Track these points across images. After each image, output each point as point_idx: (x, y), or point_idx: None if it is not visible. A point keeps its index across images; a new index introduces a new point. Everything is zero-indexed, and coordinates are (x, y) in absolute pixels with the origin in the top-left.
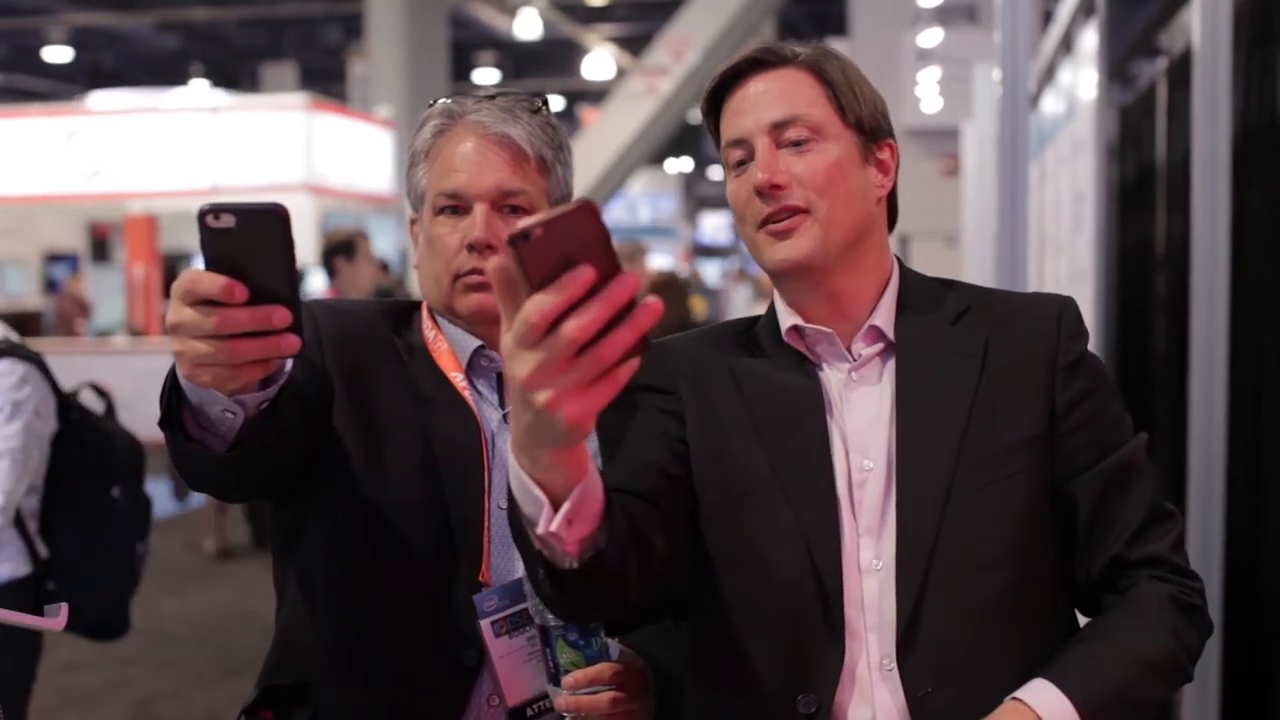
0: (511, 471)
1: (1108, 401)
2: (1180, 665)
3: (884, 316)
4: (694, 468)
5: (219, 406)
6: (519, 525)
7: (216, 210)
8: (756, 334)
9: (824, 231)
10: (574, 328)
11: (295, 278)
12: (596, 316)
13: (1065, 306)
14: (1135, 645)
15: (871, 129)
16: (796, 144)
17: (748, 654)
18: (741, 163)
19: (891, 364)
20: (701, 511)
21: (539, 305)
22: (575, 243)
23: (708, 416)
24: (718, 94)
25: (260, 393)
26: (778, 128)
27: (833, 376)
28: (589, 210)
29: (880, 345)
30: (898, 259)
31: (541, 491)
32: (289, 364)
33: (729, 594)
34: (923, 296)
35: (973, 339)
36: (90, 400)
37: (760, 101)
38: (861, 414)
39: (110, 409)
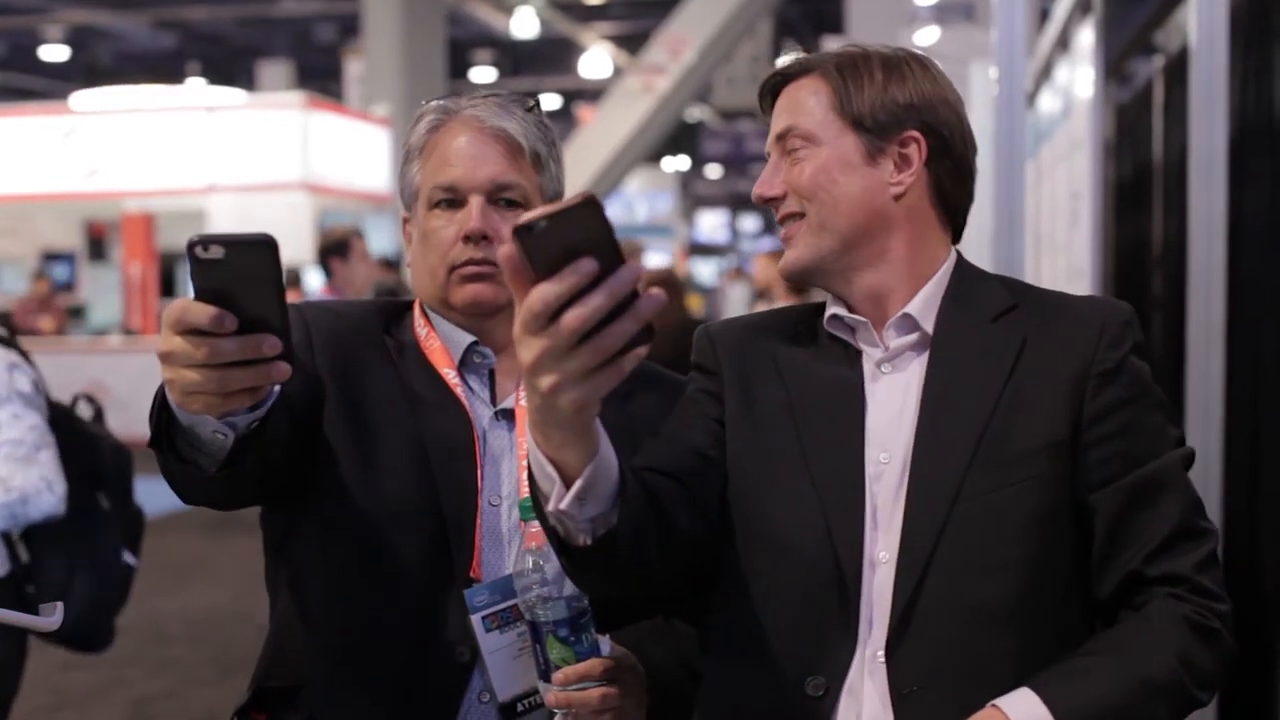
0: (529, 448)
1: (1146, 414)
2: (1184, 689)
3: (921, 307)
4: (728, 447)
5: (209, 429)
6: (539, 502)
7: (205, 242)
8: (815, 322)
9: (815, 236)
10: (574, 317)
11: (285, 306)
12: (598, 307)
13: (1113, 313)
14: (1133, 664)
15: (879, 125)
16: (794, 151)
17: (762, 633)
18: None
19: (925, 357)
20: (729, 489)
21: (542, 294)
22: (579, 235)
23: (746, 400)
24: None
25: (250, 414)
26: (780, 139)
27: (868, 368)
28: (592, 204)
29: (914, 336)
30: (958, 253)
31: (554, 469)
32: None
33: (748, 573)
34: (971, 291)
35: (1010, 338)
36: (82, 410)
37: (774, 115)
38: (885, 407)
39: (99, 415)
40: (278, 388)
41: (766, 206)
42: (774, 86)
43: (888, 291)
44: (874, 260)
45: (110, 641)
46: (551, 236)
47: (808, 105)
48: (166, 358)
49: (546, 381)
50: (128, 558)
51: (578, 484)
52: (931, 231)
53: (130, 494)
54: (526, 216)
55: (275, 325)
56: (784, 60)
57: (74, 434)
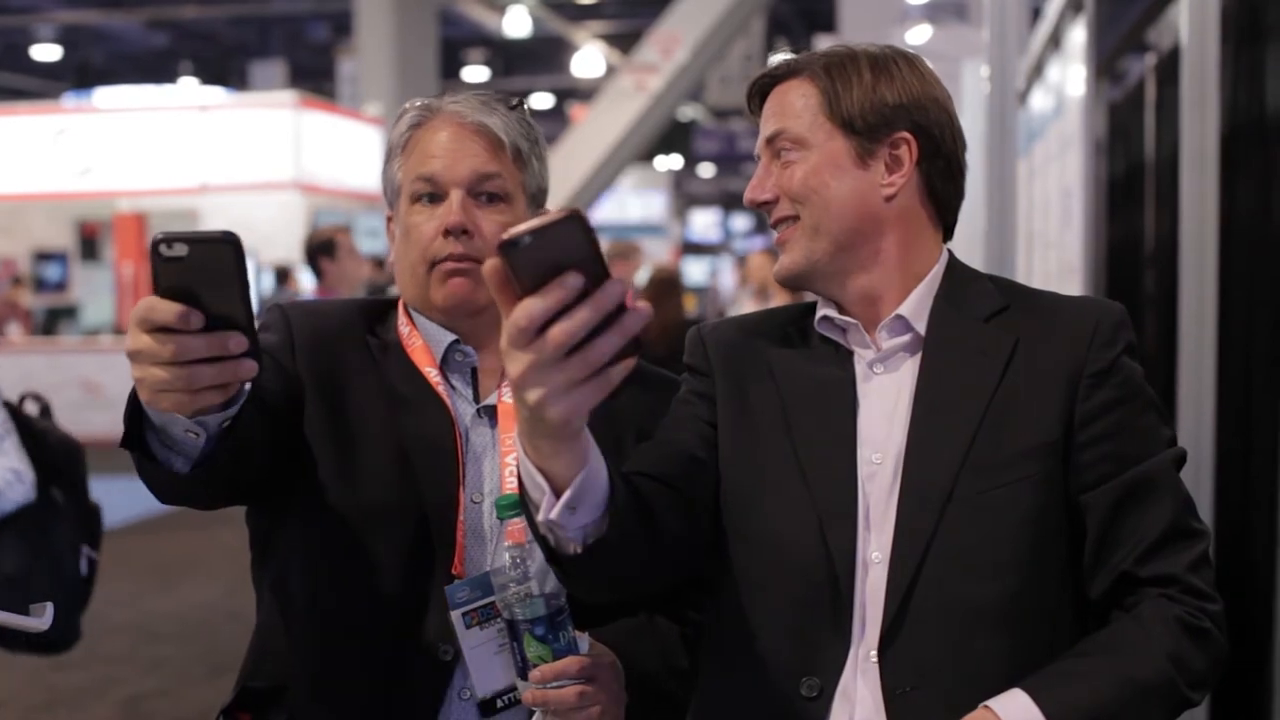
0: (519, 458)
1: (1138, 415)
2: (1176, 690)
3: (913, 308)
4: (720, 448)
5: (180, 427)
6: (529, 511)
7: (169, 239)
8: (806, 322)
9: (809, 240)
10: (560, 332)
11: (250, 304)
12: (583, 321)
13: (1105, 314)
14: (1124, 665)
15: (869, 127)
16: (784, 155)
17: (756, 634)
18: None
19: (917, 358)
20: (721, 491)
21: (528, 310)
22: (564, 250)
23: (738, 402)
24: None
25: (221, 413)
26: (770, 142)
27: (860, 368)
28: (577, 219)
29: (906, 337)
30: (950, 252)
31: (544, 479)
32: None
33: (741, 574)
34: (963, 292)
35: (1002, 339)
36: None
37: (763, 118)
38: (877, 407)
39: (46, 411)
40: (248, 386)
41: (759, 210)
42: (762, 88)
43: (880, 293)
44: (867, 262)
45: (73, 642)
46: (536, 251)
47: (796, 108)
48: (134, 356)
49: (534, 395)
50: (90, 553)
51: (567, 494)
52: (923, 231)
53: (83, 488)
54: (511, 231)
55: (241, 323)
56: (772, 61)
57: (23, 429)
